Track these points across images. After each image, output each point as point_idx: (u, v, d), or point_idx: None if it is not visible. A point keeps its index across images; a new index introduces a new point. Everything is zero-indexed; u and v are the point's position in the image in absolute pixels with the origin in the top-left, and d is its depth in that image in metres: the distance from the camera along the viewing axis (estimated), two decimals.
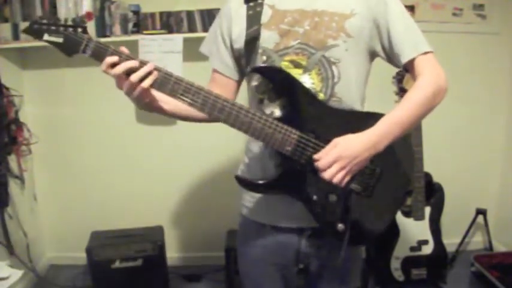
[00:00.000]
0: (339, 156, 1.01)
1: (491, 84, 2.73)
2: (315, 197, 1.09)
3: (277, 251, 1.24)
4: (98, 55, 0.99)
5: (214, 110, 1.05)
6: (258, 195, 1.23)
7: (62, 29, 0.97)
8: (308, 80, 1.11)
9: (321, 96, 1.11)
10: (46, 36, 0.95)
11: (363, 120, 1.07)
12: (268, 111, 1.13)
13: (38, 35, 0.96)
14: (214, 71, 1.27)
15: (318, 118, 1.08)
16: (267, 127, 1.06)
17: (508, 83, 2.74)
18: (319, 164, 1.02)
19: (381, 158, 1.07)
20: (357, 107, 1.16)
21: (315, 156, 1.03)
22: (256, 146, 1.20)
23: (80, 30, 0.98)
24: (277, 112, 1.12)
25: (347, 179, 1.03)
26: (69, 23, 0.98)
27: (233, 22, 1.18)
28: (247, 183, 1.14)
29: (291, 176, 1.09)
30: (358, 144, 1.02)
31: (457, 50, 2.62)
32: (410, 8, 2.57)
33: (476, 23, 2.63)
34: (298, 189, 1.10)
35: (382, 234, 1.17)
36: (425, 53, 1.10)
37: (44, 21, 0.96)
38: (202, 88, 1.05)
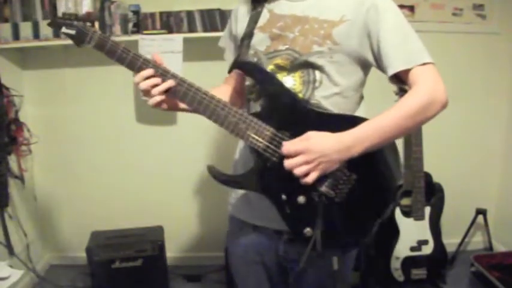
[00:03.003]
0: (306, 149, 0.98)
1: (491, 84, 2.73)
2: (283, 197, 1.07)
3: (258, 251, 1.25)
4: (101, 46, 1.11)
5: (193, 101, 1.08)
6: (240, 193, 1.23)
7: (75, 23, 1.12)
8: (290, 81, 1.11)
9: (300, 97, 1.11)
10: (64, 29, 1.11)
11: (341, 123, 1.03)
12: (253, 111, 1.14)
13: (58, 28, 1.12)
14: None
15: (296, 118, 1.06)
16: (241, 122, 1.06)
17: (508, 83, 2.74)
18: (284, 150, 1.00)
19: (360, 165, 1.03)
20: None
21: (284, 143, 1.01)
22: (242, 143, 1.21)
23: (88, 24, 1.14)
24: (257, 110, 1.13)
25: (312, 175, 0.99)
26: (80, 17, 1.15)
27: (238, 21, 1.22)
28: (215, 175, 1.12)
29: (262, 173, 1.08)
30: (330, 143, 0.99)
31: (457, 50, 2.62)
32: (410, 8, 2.57)
33: (476, 23, 2.63)
34: (267, 187, 1.08)
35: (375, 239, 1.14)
36: (424, 64, 1.03)
37: (66, 16, 1.13)
38: (185, 80, 1.08)
